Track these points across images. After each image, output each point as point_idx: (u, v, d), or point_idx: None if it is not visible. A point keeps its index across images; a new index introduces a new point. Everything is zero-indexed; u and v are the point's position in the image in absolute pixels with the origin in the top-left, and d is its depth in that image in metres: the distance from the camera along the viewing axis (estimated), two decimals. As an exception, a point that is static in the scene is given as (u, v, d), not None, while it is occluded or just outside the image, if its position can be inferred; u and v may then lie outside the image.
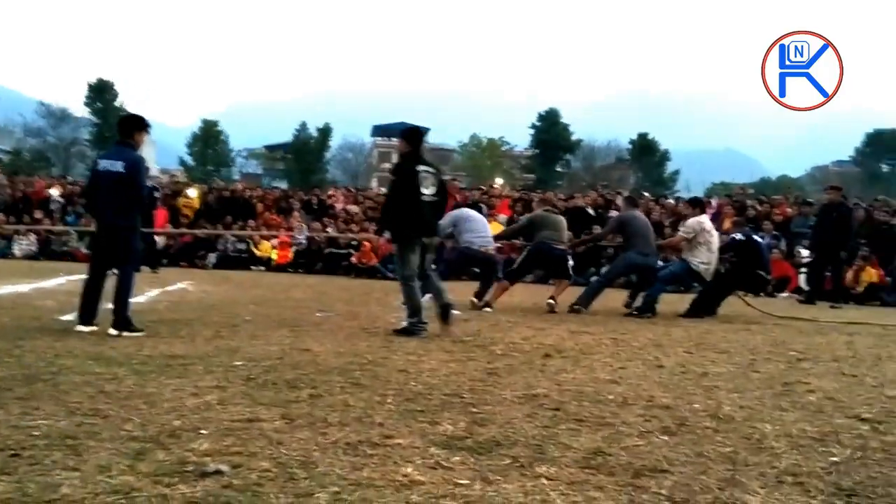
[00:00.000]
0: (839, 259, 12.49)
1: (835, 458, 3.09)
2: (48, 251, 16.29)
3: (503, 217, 16.29)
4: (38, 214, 17.44)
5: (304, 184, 46.37)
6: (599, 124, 76.39)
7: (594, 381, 4.63)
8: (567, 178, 59.78)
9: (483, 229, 9.16)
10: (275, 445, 2.99)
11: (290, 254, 15.95)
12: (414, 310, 6.56)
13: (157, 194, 15.13)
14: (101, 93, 57.03)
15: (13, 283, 10.00)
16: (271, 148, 66.79)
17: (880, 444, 3.36)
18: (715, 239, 9.32)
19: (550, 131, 61.01)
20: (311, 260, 15.56)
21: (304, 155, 60.15)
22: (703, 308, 9.17)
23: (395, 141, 67.08)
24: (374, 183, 59.48)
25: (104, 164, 6.19)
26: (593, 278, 14.32)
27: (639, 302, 9.23)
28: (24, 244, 16.66)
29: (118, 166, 6.09)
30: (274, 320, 7.30)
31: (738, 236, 9.67)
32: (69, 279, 9.71)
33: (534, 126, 62.54)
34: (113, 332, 5.92)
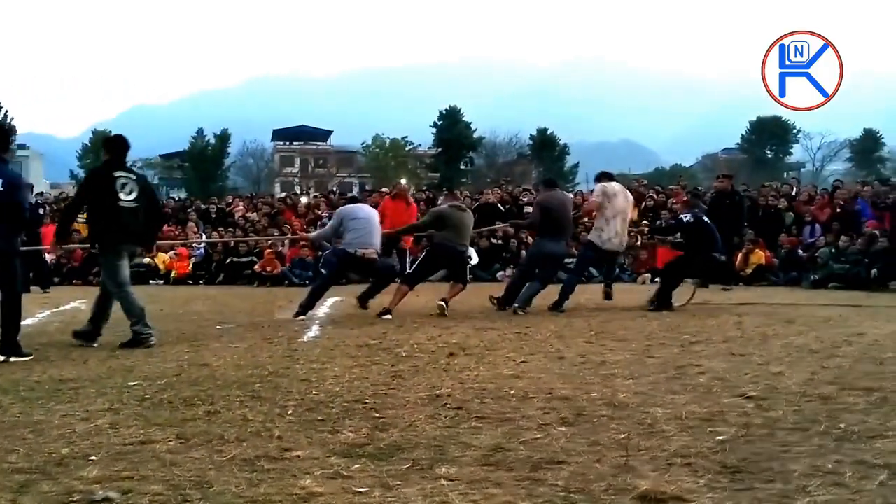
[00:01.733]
0: (731, 244, 13.03)
1: (721, 437, 3.23)
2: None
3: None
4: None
5: (203, 192, 45.22)
6: (501, 121, 77.47)
7: (497, 378, 4.69)
8: (471, 176, 60.35)
9: (366, 229, 8.58)
10: (168, 467, 2.90)
11: (189, 265, 15.53)
12: (137, 317, 6.46)
13: (42, 211, 14.46)
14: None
15: None
16: (167, 156, 64.86)
17: (763, 420, 3.53)
18: (613, 207, 8.91)
19: (452, 129, 61.50)
20: (211, 271, 15.18)
21: (201, 162, 58.59)
22: (666, 300, 8.85)
23: (296, 146, 65.90)
24: (276, 188, 58.57)
25: None
26: (499, 273, 14.57)
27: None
28: None
29: None
30: (172, 336, 7.08)
31: (687, 217, 9.13)
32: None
33: (435, 125, 62.92)
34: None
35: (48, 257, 14.38)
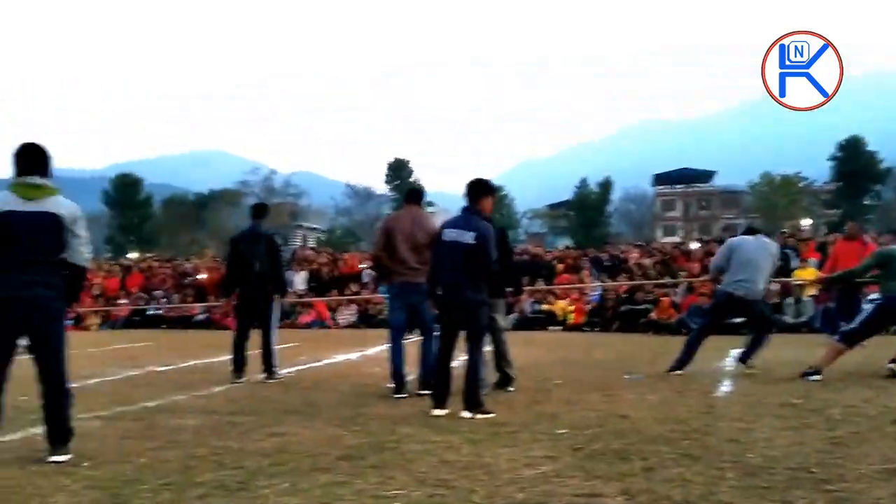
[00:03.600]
0: None
1: None
2: (366, 320, 17.83)
3: (813, 261, 14.96)
4: (354, 287, 19.25)
5: (587, 240, 46.67)
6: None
7: (970, 453, 4.01)
8: (879, 211, 53.83)
9: (751, 269, 7.85)
10: (623, 524, 2.95)
11: (584, 312, 15.95)
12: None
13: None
14: (398, 170, 62.43)
15: (342, 352, 11.08)
16: (553, 206, 68.18)
17: None
18: None
19: (856, 161, 55.57)
20: (606, 318, 15.45)
21: (585, 210, 60.61)
22: None
23: (678, 189, 64.80)
24: (658, 233, 58.23)
25: (450, 233, 5.74)
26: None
27: None
28: (346, 315, 18.47)
29: (468, 237, 5.64)
30: (584, 383, 7.29)
31: None
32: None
33: (833, 158, 57.47)
34: (466, 415, 5.49)
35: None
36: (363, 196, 63.35)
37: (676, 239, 39.69)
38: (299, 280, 19.47)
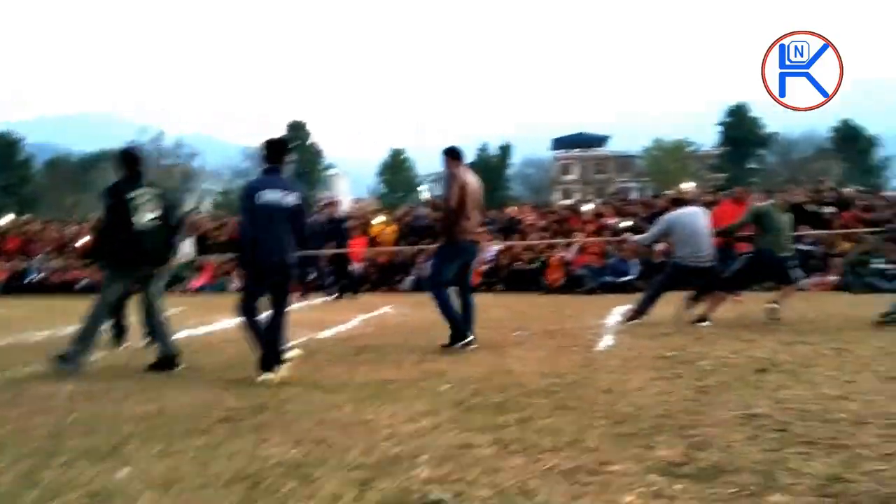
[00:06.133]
0: None
1: None
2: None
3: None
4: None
5: (487, 202, 47.14)
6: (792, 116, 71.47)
7: (819, 398, 4.30)
8: (761, 175, 56.53)
9: (696, 239, 8.35)
10: (491, 472, 3.03)
11: (479, 273, 16.09)
12: (80, 344, 5.99)
13: (345, 225, 15.70)
14: (294, 132, 61.22)
15: (233, 316, 10.83)
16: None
17: None
18: None
19: (740, 126, 58.20)
20: (500, 278, 15.68)
21: (485, 174, 61.14)
22: None
23: (576, 153, 65.82)
24: (556, 196, 59.42)
25: (269, 195, 5.48)
26: (803, 281, 13.32)
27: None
28: (239, 279, 18.12)
29: (290, 199, 5.53)
30: (477, 341, 7.39)
31: None
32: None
33: (722, 123, 59.96)
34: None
35: (356, 266, 15.81)
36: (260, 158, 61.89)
37: (571, 202, 40.56)
38: (187, 245, 18.89)
